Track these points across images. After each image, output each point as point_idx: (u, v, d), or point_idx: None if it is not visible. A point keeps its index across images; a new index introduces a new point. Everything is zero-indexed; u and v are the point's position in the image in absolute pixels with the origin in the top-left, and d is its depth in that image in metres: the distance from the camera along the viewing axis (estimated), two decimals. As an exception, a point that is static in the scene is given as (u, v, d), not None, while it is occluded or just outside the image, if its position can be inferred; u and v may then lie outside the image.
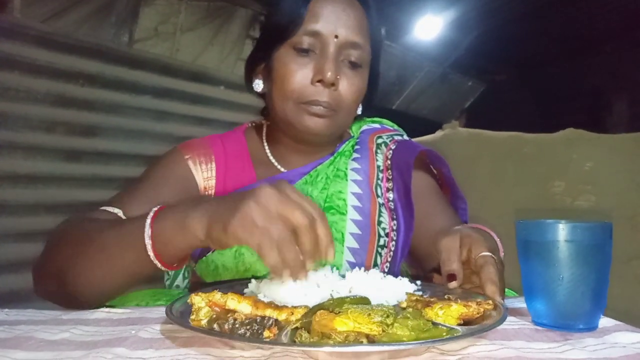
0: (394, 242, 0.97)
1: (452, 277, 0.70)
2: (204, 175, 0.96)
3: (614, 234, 0.59)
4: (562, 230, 0.57)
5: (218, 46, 3.28)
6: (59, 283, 0.73)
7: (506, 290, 0.83)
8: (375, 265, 0.93)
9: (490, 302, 0.58)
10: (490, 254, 0.70)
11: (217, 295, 0.53)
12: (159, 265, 0.65)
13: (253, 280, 0.68)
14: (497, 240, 0.84)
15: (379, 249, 0.94)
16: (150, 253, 0.64)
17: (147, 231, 0.64)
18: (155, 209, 0.66)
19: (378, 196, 0.99)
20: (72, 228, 0.78)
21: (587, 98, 4.93)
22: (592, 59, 4.63)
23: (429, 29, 3.99)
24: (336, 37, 0.87)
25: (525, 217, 0.62)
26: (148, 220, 0.65)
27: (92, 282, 0.71)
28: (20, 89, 2.45)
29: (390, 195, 1.00)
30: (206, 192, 0.95)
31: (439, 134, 2.57)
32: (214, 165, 0.97)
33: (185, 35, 3.12)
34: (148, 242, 0.64)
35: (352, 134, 1.08)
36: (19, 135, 2.44)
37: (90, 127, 2.72)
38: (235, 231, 0.56)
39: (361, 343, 0.46)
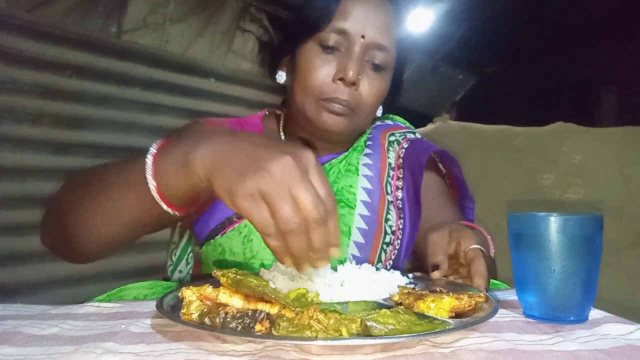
0: (399, 241, 0.97)
1: (436, 268, 0.71)
2: None
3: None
4: (553, 223, 0.57)
5: (208, 37, 3.24)
6: (61, 231, 0.69)
7: (497, 282, 0.85)
8: (379, 261, 0.94)
9: (482, 294, 0.58)
10: (479, 246, 0.72)
11: (208, 289, 0.53)
12: (164, 206, 0.58)
13: (263, 270, 0.68)
14: (488, 237, 0.85)
15: (384, 246, 0.94)
16: (154, 193, 0.57)
17: (150, 169, 0.57)
18: (158, 143, 0.60)
19: (387, 193, 0.99)
20: (78, 174, 0.73)
21: (576, 91, 4.96)
22: (581, 52, 4.65)
23: (420, 21, 3.97)
24: (363, 37, 0.87)
25: (515, 210, 0.63)
26: (150, 157, 0.58)
27: (92, 227, 0.65)
28: (5, 80, 2.40)
29: (400, 193, 1.00)
30: None
31: (430, 126, 2.58)
32: None
33: (175, 26, 3.08)
34: (151, 181, 0.57)
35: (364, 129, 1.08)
36: (5, 127, 2.40)
37: (79, 119, 2.68)
38: (240, 201, 0.50)
39: (355, 336, 0.46)
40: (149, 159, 0.58)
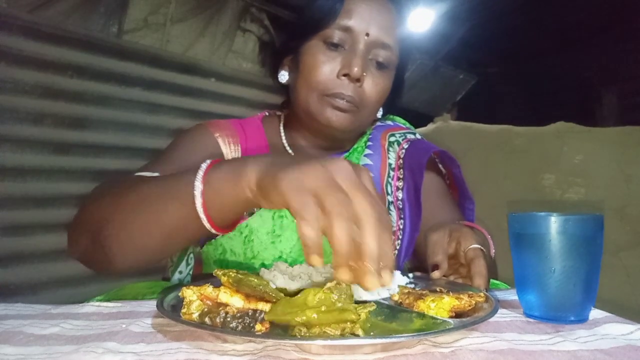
0: (399, 241, 0.97)
1: (436, 267, 0.71)
2: (232, 156, 0.95)
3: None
4: (554, 223, 0.57)
5: (209, 37, 3.24)
6: (94, 242, 0.66)
7: (498, 282, 0.85)
8: None
9: (482, 294, 0.58)
10: (479, 246, 0.72)
11: (208, 289, 0.53)
12: (205, 221, 0.56)
13: (263, 269, 0.68)
14: (489, 237, 0.85)
15: None
16: (199, 205, 0.55)
17: (199, 182, 0.55)
18: (209, 160, 0.58)
19: (388, 194, 0.99)
20: (111, 184, 0.70)
21: (577, 91, 4.96)
22: (582, 52, 4.65)
23: (421, 21, 3.97)
24: (367, 35, 0.88)
25: (516, 210, 0.63)
26: (201, 170, 0.56)
27: (129, 239, 0.63)
28: (7, 81, 2.41)
29: (400, 194, 1.01)
30: None
31: (431, 126, 2.58)
32: (239, 148, 0.97)
33: (176, 26, 3.08)
34: (198, 192, 0.55)
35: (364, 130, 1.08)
36: (6, 127, 2.41)
37: (80, 119, 2.68)
38: (285, 187, 0.46)
39: (355, 336, 0.46)
40: (202, 167, 0.56)
